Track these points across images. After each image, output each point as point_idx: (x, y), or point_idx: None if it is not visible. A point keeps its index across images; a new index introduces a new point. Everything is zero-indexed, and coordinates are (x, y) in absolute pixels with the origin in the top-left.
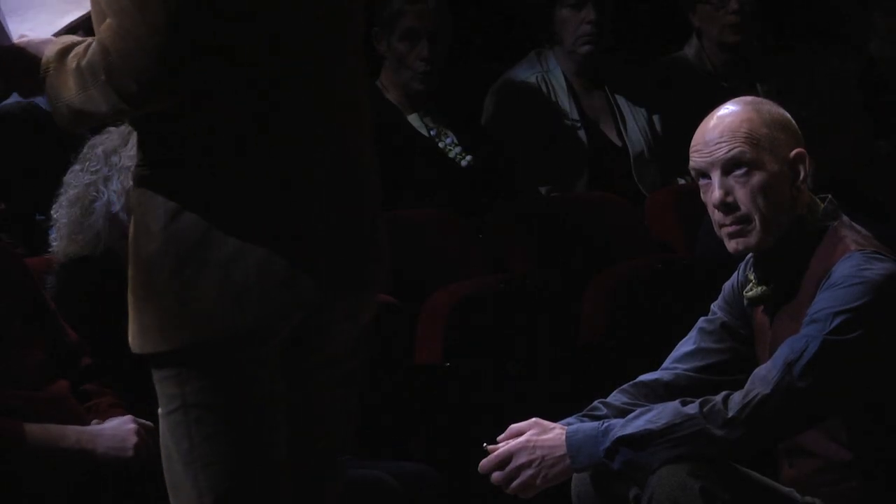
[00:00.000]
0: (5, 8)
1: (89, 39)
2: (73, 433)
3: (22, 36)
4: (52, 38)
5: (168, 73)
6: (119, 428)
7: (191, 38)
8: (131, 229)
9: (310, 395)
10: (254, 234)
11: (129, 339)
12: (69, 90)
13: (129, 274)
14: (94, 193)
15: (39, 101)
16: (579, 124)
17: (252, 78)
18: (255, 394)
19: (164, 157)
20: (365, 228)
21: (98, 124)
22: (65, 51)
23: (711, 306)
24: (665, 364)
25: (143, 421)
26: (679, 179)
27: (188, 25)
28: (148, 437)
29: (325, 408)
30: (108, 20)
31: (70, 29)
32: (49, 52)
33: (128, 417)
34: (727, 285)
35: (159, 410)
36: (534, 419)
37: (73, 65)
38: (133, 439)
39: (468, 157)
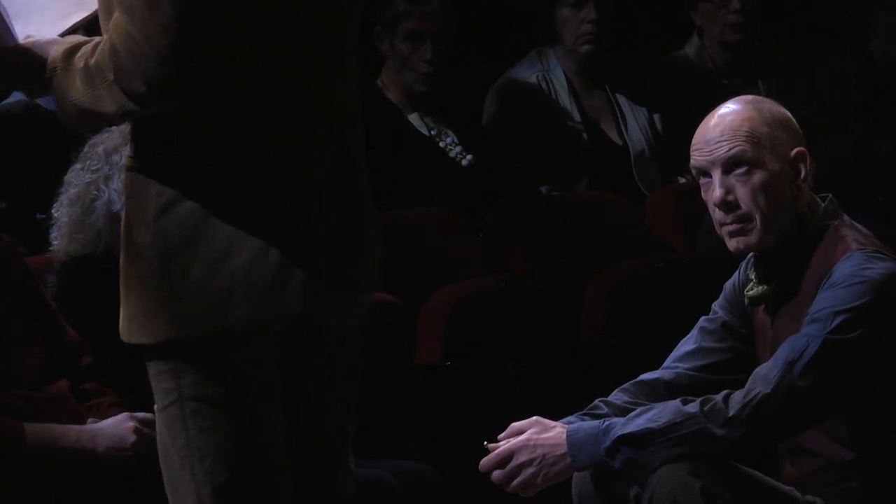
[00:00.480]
0: (10, 11)
1: (96, 39)
2: (72, 432)
3: (28, 36)
4: (58, 38)
5: (177, 72)
6: (118, 426)
7: (199, 38)
8: (123, 219)
9: (310, 393)
10: (246, 233)
11: (119, 326)
12: (76, 90)
13: (120, 262)
14: (95, 192)
15: (41, 100)
16: (580, 124)
17: (252, 78)
18: (251, 387)
19: (161, 153)
20: (365, 229)
21: (105, 125)
22: (71, 50)
23: (713, 305)
24: (666, 363)
25: (142, 414)
26: (680, 178)
27: (197, 25)
28: (148, 434)
29: (326, 406)
30: (115, 17)
31: (72, 31)
32: (55, 53)
33: (125, 415)
34: (728, 284)
35: (155, 407)
36: (535, 418)
37: (81, 64)
38: (132, 437)
39: (468, 157)
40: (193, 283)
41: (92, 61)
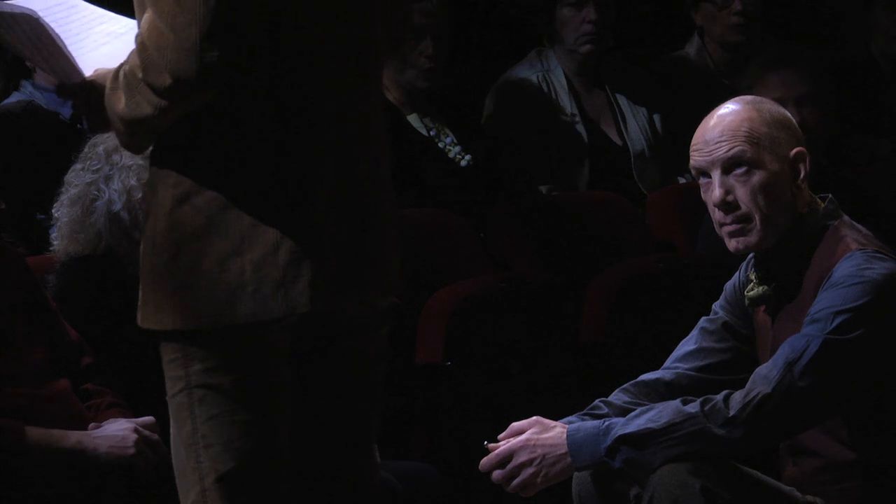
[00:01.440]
0: (82, 66)
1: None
2: (74, 435)
3: (95, 70)
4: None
5: (203, 66)
6: (119, 429)
7: (226, 32)
8: (144, 207)
9: (324, 392)
10: (258, 229)
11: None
12: (120, 102)
13: (140, 249)
14: (96, 192)
15: (39, 99)
16: (580, 123)
17: (272, 76)
18: (259, 380)
19: (181, 145)
20: (381, 230)
21: (152, 132)
22: (119, 67)
23: (713, 306)
24: (666, 363)
25: (144, 418)
26: (680, 178)
27: (225, 19)
28: (149, 437)
29: (342, 404)
30: (146, 14)
31: None
32: (109, 76)
33: (127, 419)
34: (729, 285)
35: (167, 395)
36: (535, 417)
37: (121, 75)
38: (133, 437)
39: (468, 157)
40: (203, 275)
41: (127, 67)
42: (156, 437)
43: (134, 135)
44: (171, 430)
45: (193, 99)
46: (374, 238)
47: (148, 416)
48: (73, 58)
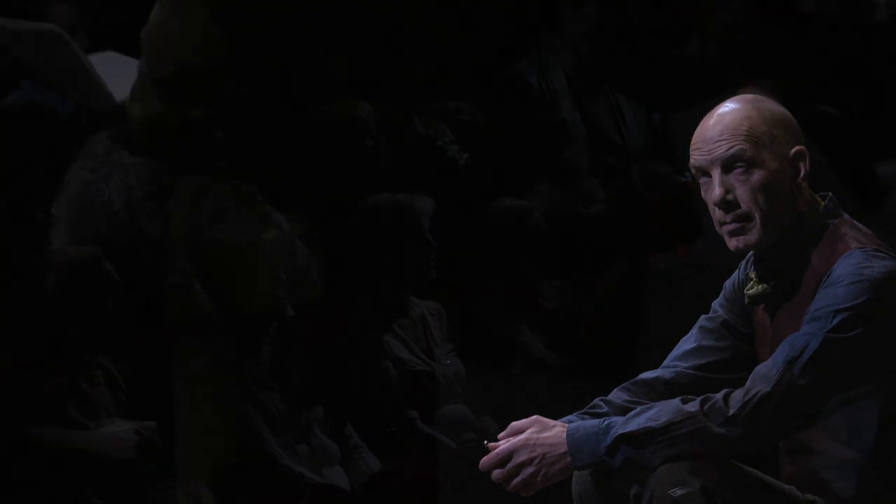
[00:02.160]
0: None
1: None
2: (75, 435)
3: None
4: None
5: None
6: (120, 430)
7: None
8: (163, 204)
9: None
10: (268, 222)
11: None
12: (137, 111)
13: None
14: (95, 191)
15: (41, 99)
16: (580, 123)
17: (280, 73)
18: (256, 372)
19: (191, 140)
20: None
21: (166, 130)
22: None
23: (713, 304)
24: (666, 362)
25: (146, 423)
26: (679, 178)
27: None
28: (149, 438)
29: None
30: None
31: None
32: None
33: (127, 421)
34: (728, 283)
35: (173, 384)
36: (535, 417)
37: (137, 85)
38: (133, 438)
39: (465, 156)
40: (215, 267)
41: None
42: (156, 439)
43: (150, 132)
44: (179, 419)
45: (201, 90)
46: None
47: (147, 415)
48: (102, 80)
